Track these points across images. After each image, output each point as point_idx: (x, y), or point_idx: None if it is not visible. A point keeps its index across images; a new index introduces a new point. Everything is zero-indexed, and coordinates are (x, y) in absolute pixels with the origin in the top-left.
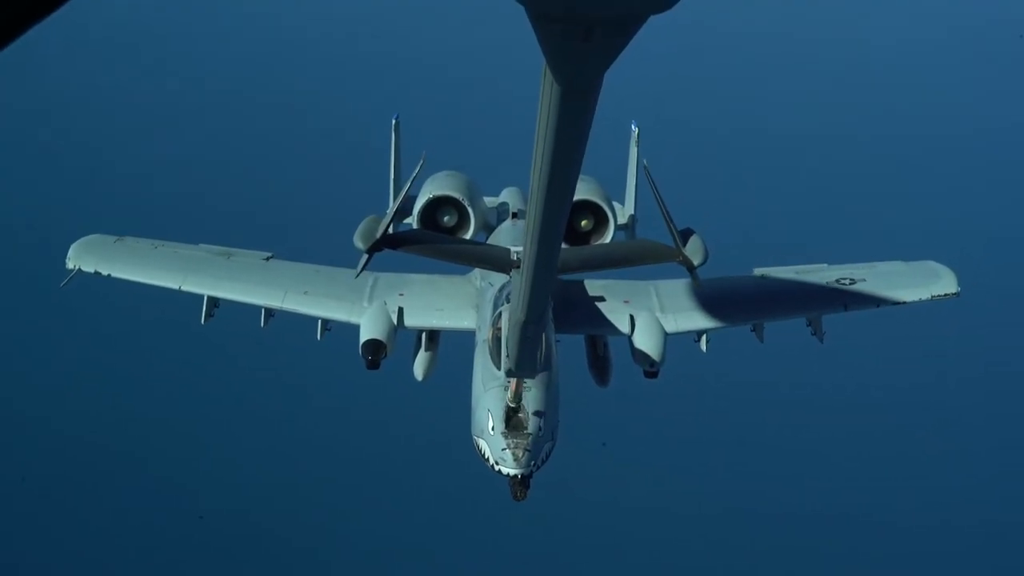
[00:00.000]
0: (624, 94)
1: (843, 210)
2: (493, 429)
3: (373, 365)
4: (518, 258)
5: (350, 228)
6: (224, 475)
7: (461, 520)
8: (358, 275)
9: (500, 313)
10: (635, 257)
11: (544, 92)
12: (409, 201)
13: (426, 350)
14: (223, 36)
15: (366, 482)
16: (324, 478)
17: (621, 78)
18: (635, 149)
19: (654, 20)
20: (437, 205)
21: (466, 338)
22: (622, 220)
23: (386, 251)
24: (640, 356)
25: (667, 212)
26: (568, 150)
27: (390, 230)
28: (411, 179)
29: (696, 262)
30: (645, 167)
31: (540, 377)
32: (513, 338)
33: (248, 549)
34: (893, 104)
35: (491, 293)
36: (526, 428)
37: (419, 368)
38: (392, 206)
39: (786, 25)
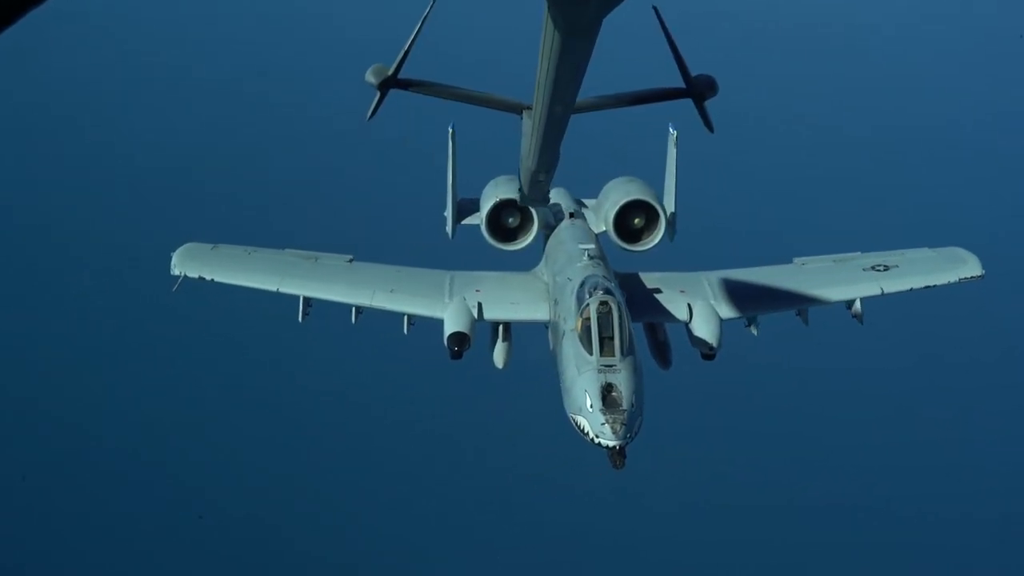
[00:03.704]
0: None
1: (865, 202)
2: (592, 407)
3: (457, 355)
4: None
5: (413, 233)
6: (328, 453)
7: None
8: (371, 117)
9: (587, 304)
10: (647, 96)
11: (546, 31)
12: (471, 203)
13: (503, 340)
14: (307, 50)
15: (460, 460)
16: (421, 459)
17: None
18: (673, 151)
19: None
20: (501, 208)
21: (535, 329)
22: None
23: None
24: (698, 341)
25: (678, 52)
26: (569, 74)
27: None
28: (428, 10)
29: (706, 95)
30: (655, 7)
31: (628, 360)
32: (526, 181)
33: (342, 520)
34: (898, 102)
35: (571, 287)
36: (621, 405)
37: (499, 357)
38: (403, 49)
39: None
